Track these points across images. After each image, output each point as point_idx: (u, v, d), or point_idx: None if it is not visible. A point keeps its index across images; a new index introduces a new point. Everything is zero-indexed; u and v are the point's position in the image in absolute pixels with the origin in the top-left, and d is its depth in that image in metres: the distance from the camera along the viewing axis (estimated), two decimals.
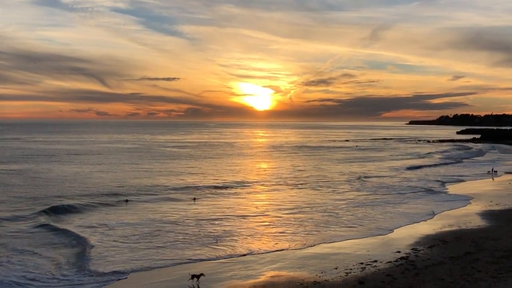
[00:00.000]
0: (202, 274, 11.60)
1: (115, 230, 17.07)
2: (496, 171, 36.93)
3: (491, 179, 33.49)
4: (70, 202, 22.29)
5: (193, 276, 11.53)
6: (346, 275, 11.73)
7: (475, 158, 52.98)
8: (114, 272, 12.33)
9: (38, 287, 11.36)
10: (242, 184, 29.85)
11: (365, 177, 33.96)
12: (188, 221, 18.66)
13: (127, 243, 15.26)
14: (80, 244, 15.09)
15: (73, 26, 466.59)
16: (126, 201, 23.02)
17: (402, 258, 13.31)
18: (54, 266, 12.87)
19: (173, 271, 12.58)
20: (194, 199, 24.05)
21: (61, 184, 28.47)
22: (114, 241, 15.52)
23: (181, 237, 15.95)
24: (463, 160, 50.26)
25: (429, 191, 27.35)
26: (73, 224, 18.10)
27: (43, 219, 18.51)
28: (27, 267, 12.74)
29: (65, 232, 16.59)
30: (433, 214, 20.24)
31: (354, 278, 11.44)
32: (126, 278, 11.97)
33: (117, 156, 50.47)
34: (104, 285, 11.48)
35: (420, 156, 53.82)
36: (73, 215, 19.78)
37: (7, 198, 23.27)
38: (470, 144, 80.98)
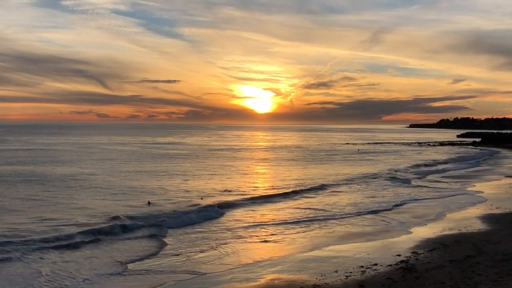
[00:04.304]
0: None
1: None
2: None
3: None
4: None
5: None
6: (346, 278, 11.71)
7: (481, 161, 53.10)
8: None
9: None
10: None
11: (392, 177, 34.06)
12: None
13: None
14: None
15: (74, 28, 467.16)
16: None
17: (402, 261, 13.28)
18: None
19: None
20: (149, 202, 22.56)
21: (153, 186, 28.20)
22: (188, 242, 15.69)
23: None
24: (472, 163, 50.45)
25: (444, 194, 27.43)
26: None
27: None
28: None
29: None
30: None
31: (354, 281, 11.42)
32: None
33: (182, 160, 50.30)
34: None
35: (426, 160, 53.69)
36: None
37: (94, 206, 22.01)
38: (471, 148, 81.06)
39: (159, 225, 17.92)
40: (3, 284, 11.40)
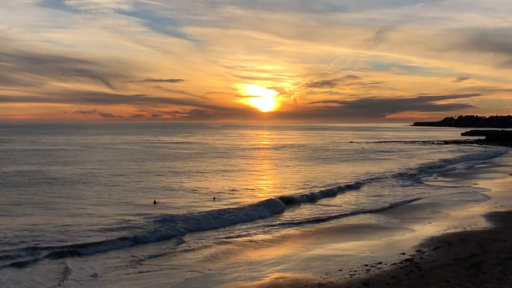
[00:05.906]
0: None
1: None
2: None
3: None
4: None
5: None
6: (350, 277, 11.71)
7: (485, 160, 53.00)
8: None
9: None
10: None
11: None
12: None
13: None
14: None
15: (77, 28, 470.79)
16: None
17: (407, 260, 13.28)
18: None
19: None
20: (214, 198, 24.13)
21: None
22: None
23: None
24: (476, 162, 50.31)
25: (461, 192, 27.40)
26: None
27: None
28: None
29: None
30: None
31: (359, 280, 11.43)
32: None
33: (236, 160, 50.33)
34: None
35: (430, 159, 53.52)
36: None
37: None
38: (475, 146, 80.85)
39: (177, 227, 17.78)
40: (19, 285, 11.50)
